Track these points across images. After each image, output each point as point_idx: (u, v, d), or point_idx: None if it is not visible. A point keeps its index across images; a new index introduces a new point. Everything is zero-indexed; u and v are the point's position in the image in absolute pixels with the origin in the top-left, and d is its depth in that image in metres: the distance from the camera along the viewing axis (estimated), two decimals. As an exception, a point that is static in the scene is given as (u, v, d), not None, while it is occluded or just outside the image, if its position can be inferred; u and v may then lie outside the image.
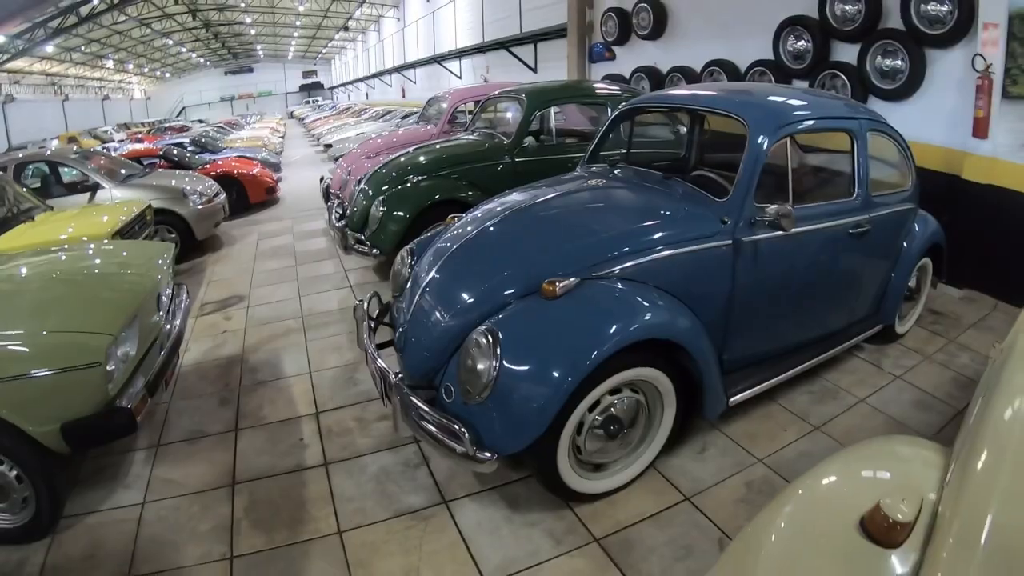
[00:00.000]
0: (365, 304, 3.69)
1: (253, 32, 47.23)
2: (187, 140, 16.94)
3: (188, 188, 8.34)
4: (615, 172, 4.04)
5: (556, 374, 2.54)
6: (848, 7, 6.88)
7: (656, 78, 10.15)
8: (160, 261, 4.03)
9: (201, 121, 38.45)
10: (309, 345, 5.10)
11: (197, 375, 4.68)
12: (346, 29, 44.09)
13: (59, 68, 40.94)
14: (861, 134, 3.78)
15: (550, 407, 2.53)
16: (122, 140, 27.20)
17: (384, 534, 2.93)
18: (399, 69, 30.33)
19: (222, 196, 9.07)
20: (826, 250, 3.67)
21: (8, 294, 3.51)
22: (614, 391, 2.83)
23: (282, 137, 25.47)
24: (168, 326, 3.78)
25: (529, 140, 6.34)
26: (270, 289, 6.64)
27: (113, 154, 11.39)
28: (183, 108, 59.13)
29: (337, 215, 6.92)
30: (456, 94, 9.37)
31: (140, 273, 3.82)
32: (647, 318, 2.77)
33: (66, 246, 4.75)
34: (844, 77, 7.09)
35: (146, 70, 53.12)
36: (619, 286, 2.91)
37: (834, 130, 3.84)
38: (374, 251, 5.82)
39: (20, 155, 8.66)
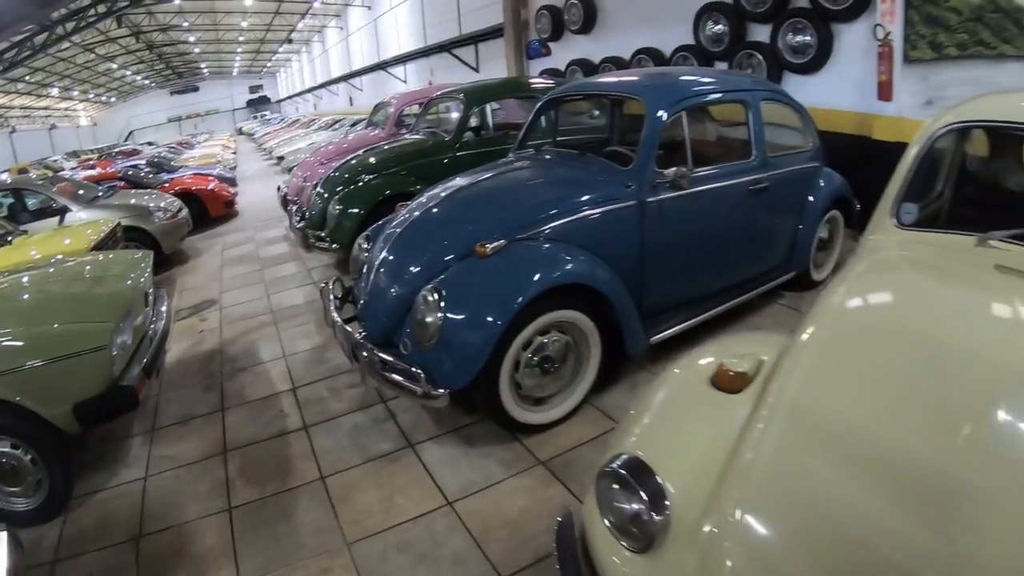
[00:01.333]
0: (330, 285, 4.19)
1: (197, 50, 46.81)
2: (143, 162, 17.16)
3: (152, 206, 8.73)
4: (539, 154, 4.59)
5: (489, 318, 3.07)
6: None
7: (589, 69, 10.74)
8: (143, 265, 4.47)
9: (150, 143, 38.13)
10: (281, 334, 5.56)
11: (181, 370, 5.11)
12: (289, 42, 44.11)
13: (4, 100, 40.40)
14: (754, 104, 4.34)
15: (486, 345, 3.06)
16: (74, 168, 27.07)
17: (360, 475, 3.42)
18: (345, 78, 30.59)
19: (185, 211, 9.47)
20: (729, 205, 4.21)
21: (16, 299, 3.97)
22: (544, 332, 3.35)
23: (234, 153, 25.64)
24: (155, 322, 4.22)
25: (468, 135, 6.88)
26: (239, 292, 7.06)
27: (76, 178, 11.65)
28: (131, 132, 58.07)
29: (297, 219, 7.37)
30: (401, 98, 9.85)
31: (127, 275, 4.26)
32: (564, 268, 3.32)
33: (56, 258, 5.13)
34: (759, 56, 7.74)
35: (91, 96, 52.21)
36: (541, 245, 3.45)
37: (727, 102, 4.43)
38: (333, 246, 6.29)
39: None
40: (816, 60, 7.09)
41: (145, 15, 32.24)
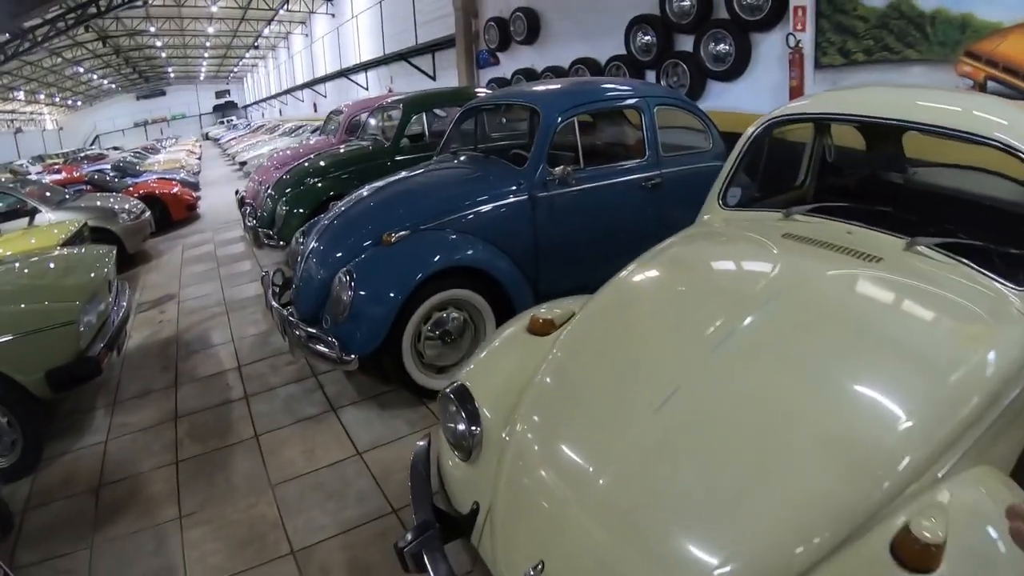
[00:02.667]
0: (270, 274, 4.79)
1: (164, 55, 46.80)
2: (108, 167, 17.55)
3: (117, 208, 9.28)
4: (454, 158, 5.22)
5: (391, 294, 3.72)
6: (684, 3, 8.12)
7: (533, 78, 11.38)
8: (107, 259, 5.05)
9: (116, 148, 38.14)
10: (232, 323, 6.15)
11: (141, 354, 5.67)
12: (256, 47, 44.34)
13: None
14: (648, 109, 4.91)
15: (388, 317, 3.71)
16: (39, 172, 27.23)
17: (288, 433, 4.03)
18: (309, 84, 31.07)
19: (147, 213, 10.01)
20: (621, 200, 4.72)
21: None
22: (443, 308, 3.98)
23: (199, 158, 25.98)
24: (116, 307, 4.79)
25: (405, 141, 7.49)
26: (197, 287, 7.62)
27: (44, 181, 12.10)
28: (96, 136, 57.73)
29: (250, 219, 7.94)
30: (351, 107, 10.44)
31: (93, 266, 4.85)
32: (455, 253, 3.98)
33: (26, 254, 5.69)
34: (684, 65, 8.36)
35: (57, 100, 51.87)
36: (440, 234, 4.10)
37: (620, 108, 5.10)
38: (281, 243, 6.87)
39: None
40: (735, 68, 7.71)
41: (112, 20, 32.32)
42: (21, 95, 44.01)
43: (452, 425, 2.27)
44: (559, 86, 5.34)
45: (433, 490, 2.26)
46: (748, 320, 2.02)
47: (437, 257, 3.91)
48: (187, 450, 4.00)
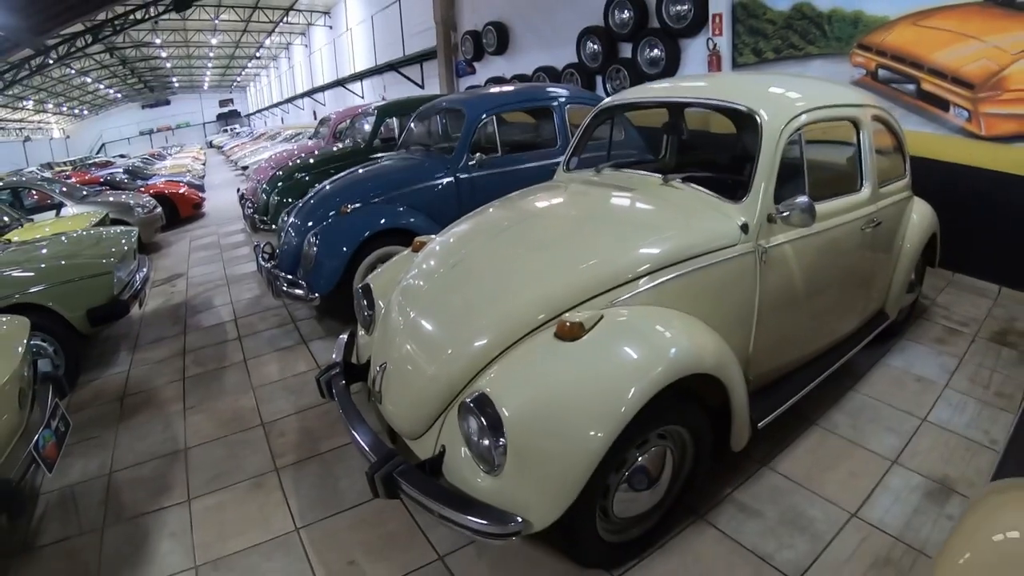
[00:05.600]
0: (261, 245, 6.09)
1: (168, 65, 47.97)
2: (120, 170, 18.94)
3: (132, 203, 10.69)
4: (407, 152, 6.55)
5: (344, 248, 5.07)
6: (624, 15, 9.31)
7: (502, 84, 12.61)
8: (132, 235, 6.42)
9: (123, 156, 39.29)
10: (231, 291, 7.45)
11: (156, 315, 6.97)
12: (257, 58, 45.65)
13: (-21, 113, 41.48)
14: (559, 108, 6.19)
15: (341, 265, 5.08)
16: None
17: (269, 358, 5.32)
18: (309, 93, 32.48)
19: (159, 208, 11.44)
20: (535, 179, 5.82)
21: (51, 247, 6.02)
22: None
23: (203, 164, 27.33)
24: (139, 271, 6.10)
25: (378, 142, 8.83)
26: (202, 268, 8.93)
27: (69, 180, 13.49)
28: (103, 144, 58.42)
29: (249, 209, 9.29)
30: (337, 115, 11.82)
31: (121, 238, 6.19)
32: (401, 219, 5.30)
33: (68, 231, 7.06)
34: (624, 70, 9.59)
35: (64, 109, 53.06)
36: (386, 206, 5.42)
37: (532, 108, 6.44)
38: (272, 226, 8.16)
39: None
40: (667, 70, 8.80)
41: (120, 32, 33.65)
42: (30, 104, 45.25)
43: (361, 312, 3.52)
44: (483, 93, 6.66)
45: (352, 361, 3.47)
46: (524, 221, 3.34)
47: (383, 220, 5.25)
48: (191, 371, 5.28)
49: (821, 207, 3.18)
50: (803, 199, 2.85)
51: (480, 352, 2.50)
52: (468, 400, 2.26)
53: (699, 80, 4.68)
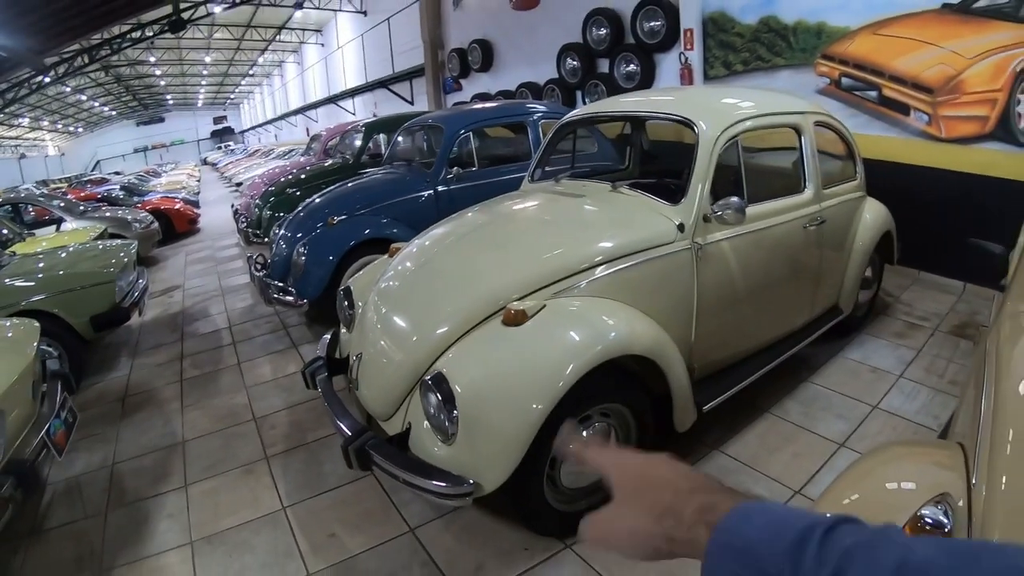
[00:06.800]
0: (254, 256, 6.42)
1: (163, 83, 48.26)
2: (117, 186, 19.29)
3: (130, 218, 11.05)
4: (391, 167, 6.89)
5: (330, 257, 5.41)
6: (601, 32, 9.68)
7: (487, 100, 13.00)
8: (131, 247, 6.76)
9: (118, 173, 39.43)
10: (227, 301, 7.78)
11: (155, 323, 7.29)
12: (251, 75, 46.02)
13: (-24, 130, 41.66)
14: (533, 124, 6.57)
15: (327, 272, 5.41)
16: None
17: (262, 360, 5.65)
18: (302, 110, 32.91)
19: (156, 224, 11.81)
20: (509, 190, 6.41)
21: (56, 259, 6.33)
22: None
23: (198, 181, 27.67)
24: (138, 281, 6.42)
25: (366, 158, 9.16)
26: (198, 280, 9.26)
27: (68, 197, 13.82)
28: (98, 162, 58.89)
29: (242, 223, 9.61)
30: (327, 132, 12.21)
31: (121, 250, 6.51)
32: (384, 229, 5.62)
33: (70, 244, 7.39)
34: (602, 84, 9.92)
35: (59, 126, 53.15)
36: (369, 217, 5.76)
37: (508, 124, 6.79)
38: (265, 239, 8.48)
39: (-1, 199, 11.19)
40: (643, 83, 9.11)
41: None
42: (26, 121, 45.39)
43: (343, 312, 3.86)
44: (461, 110, 7.02)
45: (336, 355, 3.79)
46: (485, 225, 3.70)
47: (367, 231, 5.59)
48: (188, 373, 5.60)
49: (761, 207, 3.56)
50: (735, 199, 3.19)
51: (441, 338, 2.83)
52: (427, 379, 2.61)
53: (652, 94, 5.11)
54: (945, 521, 1.40)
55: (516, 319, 2.68)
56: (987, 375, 1.82)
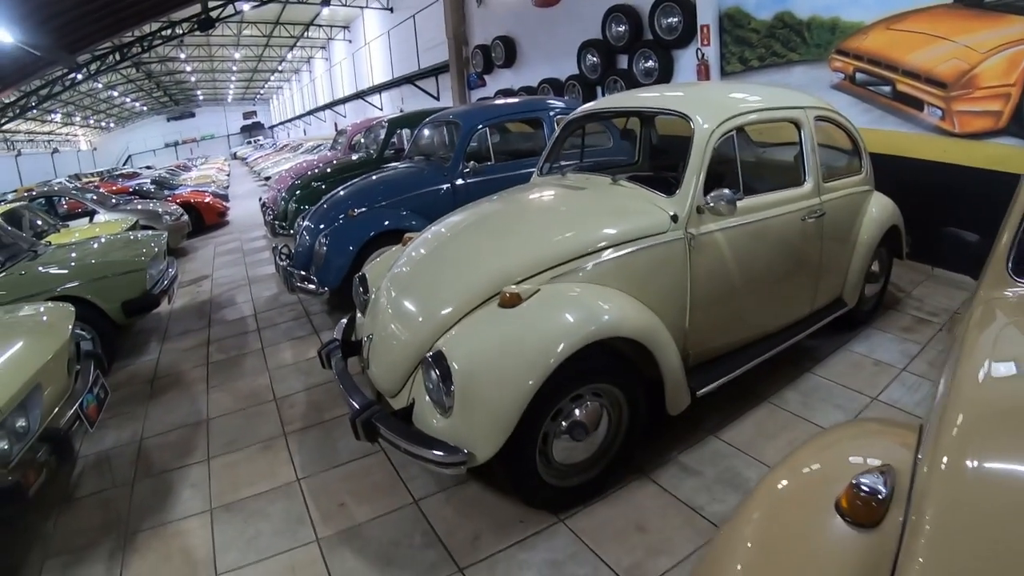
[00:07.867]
0: (279, 247, 6.66)
1: (193, 79, 48.91)
2: (148, 180, 19.76)
3: (161, 210, 11.39)
4: (411, 161, 7.11)
5: (350, 247, 5.63)
6: (620, 28, 9.78)
7: (511, 96, 13.15)
8: (161, 238, 7.06)
9: (148, 167, 39.91)
10: (252, 290, 8.05)
11: (183, 311, 7.57)
12: (279, 71, 46.44)
13: (11, 125, 42.34)
14: (548, 119, 6.73)
15: (348, 262, 5.63)
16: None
17: (284, 346, 5.87)
18: (330, 105, 33.18)
19: (185, 216, 12.16)
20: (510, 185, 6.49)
21: (91, 249, 6.59)
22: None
23: (227, 175, 28.11)
24: (168, 271, 6.69)
25: (390, 152, 9.40)
26: (226, 270, 9.56)
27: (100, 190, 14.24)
28: (129, 156, 59.33)
29: (269, 214, 9.90)
30: (352, 128, 12.50)
31: (152, 241, 6.80)
32: (403, 222, 5.81)
33: (102, 235, 7.71)
34: (621, 80, 10.03)
35: (91, 122, 54.01)
36: (389, 210, 5.98)
37: (522, 120, 6.96)
38: (290, 231, 8.70)
39: (34, 191, 11.59)
40: (661, 80, 9.17)
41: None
42: (58, 117, 46.30)
43: (358, 297, 4.06)
44: (478, 106, 7.23)
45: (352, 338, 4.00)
46: (492, 215, 3.93)
47: (387, 222, 5.81)
48: (214, 358, 5.84)
49: (757, 199, 3.69)
50: (727, 191, 3.33)
51: (444, 319, 3.03)
52: (428, 356, 2.80)
53: (663, 89, 5.20)
54: (882, 490, 1.47)
55: (512, 301, 2.88)
56: (951, 359, 1.89)
